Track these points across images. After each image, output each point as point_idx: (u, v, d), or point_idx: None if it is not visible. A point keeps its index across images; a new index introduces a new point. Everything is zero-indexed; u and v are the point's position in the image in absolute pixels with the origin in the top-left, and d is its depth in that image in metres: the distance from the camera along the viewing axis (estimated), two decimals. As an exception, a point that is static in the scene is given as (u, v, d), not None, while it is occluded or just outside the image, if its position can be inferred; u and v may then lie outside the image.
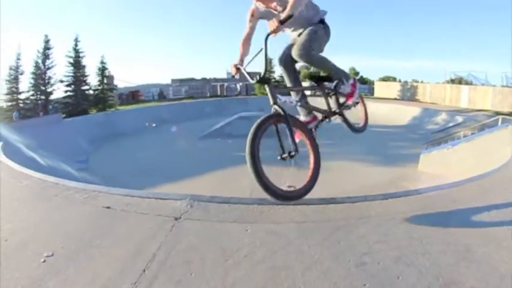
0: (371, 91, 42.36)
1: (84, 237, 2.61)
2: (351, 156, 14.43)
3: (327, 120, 3.57)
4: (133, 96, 44.77)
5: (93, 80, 37.30)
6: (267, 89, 2.91)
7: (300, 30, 3.31)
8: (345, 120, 3.76)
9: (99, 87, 36.92)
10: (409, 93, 35.94)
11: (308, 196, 2.84)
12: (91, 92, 36.61)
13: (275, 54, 3.55)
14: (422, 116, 25.46)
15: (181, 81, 48.09)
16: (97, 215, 3.05)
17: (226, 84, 46.56)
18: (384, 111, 26.38)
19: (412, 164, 13.29)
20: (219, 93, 45.62)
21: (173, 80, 48.64)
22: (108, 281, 2.01)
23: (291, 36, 3.46)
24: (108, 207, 3.15)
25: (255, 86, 41.27)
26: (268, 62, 2.89)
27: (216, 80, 48.95)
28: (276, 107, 2.86)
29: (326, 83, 3.66)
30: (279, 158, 2.82)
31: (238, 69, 3.24)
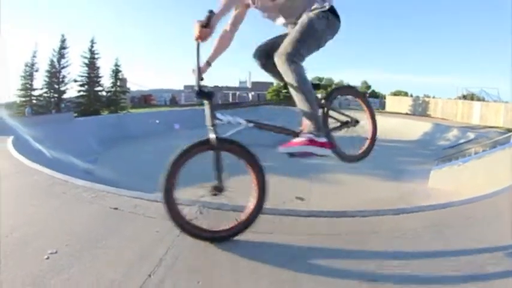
0: (382, 105, 42.22)
1: (90, 237, 2.56)
2: (360, 170, 14.20)
3: None
4: (145, 100, 45.28)
5: (106, 81, 38.08)
6: (206, 105, 2.38)
7: (293, 21, 2.52)
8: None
9: (112, 89, 37.48)
10: (420, 108, 35.76)
11: (319, 208, 2.77)
12: (104, 93, 37.27)
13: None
14: (434, 132, 25.25)
15: (194, 87, 48.17)
16: (104, 215, 3.00)
17: (238, 92, 46.93)
18: (395, 125, 26.22)
19: (423, 180, 13.10)
20: (230, 101, 45.43)
21: (186, 86, 48.98)
22: (113, 283, 1.95)
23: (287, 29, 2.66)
24: (116, 208, 3.10)
25: (267, 95, 41.45)
26: (200, 71, 2.39)
27: (228, 88, 49.25)
28: (210, 129, 2.36)
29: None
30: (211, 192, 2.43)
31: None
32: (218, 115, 2.40)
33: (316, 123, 2.38)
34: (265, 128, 2.59)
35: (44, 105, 34.11)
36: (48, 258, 2.21)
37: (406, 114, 35.16)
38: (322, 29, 2.40)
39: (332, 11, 2.44)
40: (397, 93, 46.13)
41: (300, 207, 2.77)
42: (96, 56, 36.47)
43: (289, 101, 2.52)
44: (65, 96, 35.54)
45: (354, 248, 2.41)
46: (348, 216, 3.03)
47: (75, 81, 35.38)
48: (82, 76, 35.72)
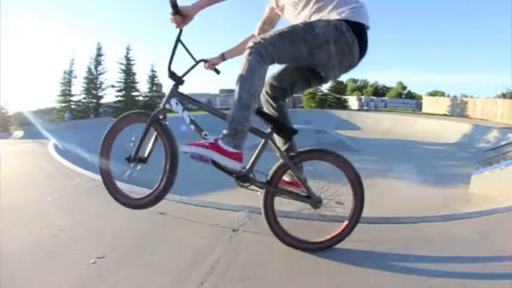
0: (419, 106, 41.09)
1: (137, 242, 2.53)
2: (397, 174, 13.89)
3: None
4: (181, 104, 45.98)
5: (143, 87, 39.25)
6: (170, 88, 2.29)
7: None
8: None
9: (149, 94, 38.29)
10: (458, 109, 34.40)
11: (367, 214, 2.63)
12: (140, 98, 38.13)
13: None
14: (473, 134, 24.19)
15: (229, 91, 48.61)
16: (150, 220, 2.95)
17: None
18: (433, 127, 25.37)
19: (463, 185, 12.55)
20: (194, 98, 45.29)
21: (221, 90, 49.13)
22: (161, 290, 1.90)
23: None
24: (162, 213, 3.04)
25: (303, 99, 41.24)
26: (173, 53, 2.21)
27: (261, 91, 49.21)
28: (159, 108, 2.27)
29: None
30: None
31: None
32: (172, 101, 2.25)
33: (233, 128, 1.94)
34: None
35: (83, 110, 35.59)
36: (94, 262, 2.19)
37: (444, 115, 33.90)
38: (323, 38, 1.92)
39: (352, 24, 1.94)
40: (433, 94, 44.91)
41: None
42: (132, 62, 37.62)
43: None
44: (102, 101, 37.05)
45: (405, 256, 2.29)
46: (397, 222, 2.91)
47: (113, 86, 36.77)
48: (119, 82, 36.97)
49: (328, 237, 2.31)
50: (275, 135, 2.26)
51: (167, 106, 2.26)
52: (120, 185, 2.46)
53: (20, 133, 25.42)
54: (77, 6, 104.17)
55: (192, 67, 2.35)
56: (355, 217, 2.26)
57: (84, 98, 36.34)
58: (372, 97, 51.64)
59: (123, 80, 37.04)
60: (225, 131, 1.97)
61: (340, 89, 42.75)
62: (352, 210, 2.25)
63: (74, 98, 35.84)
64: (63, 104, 35.30)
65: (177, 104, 2.25)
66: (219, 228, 2.37)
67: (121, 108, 34.87)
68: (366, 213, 2.45)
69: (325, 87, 40.86)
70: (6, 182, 4.83)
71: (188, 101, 2.34)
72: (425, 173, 14.61)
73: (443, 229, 2.79)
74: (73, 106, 35.43)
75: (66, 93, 35.66)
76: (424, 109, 38.89)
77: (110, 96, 37.42)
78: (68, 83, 35.98)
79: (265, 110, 2.39)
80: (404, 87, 66.53)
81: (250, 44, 1.95)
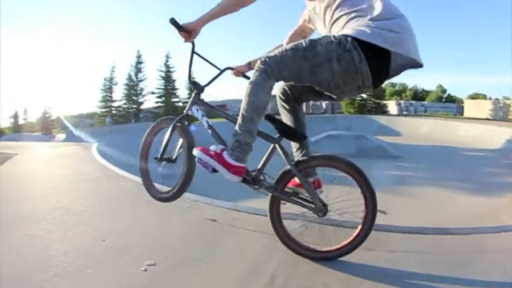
0: (460, 110, 39.61)
1: (190, 250, 2.43)
2: (440, 182, 13.36)
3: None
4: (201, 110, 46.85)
5: (182, 93, 40.87)
6: (192, 95, 2.47)
7: None
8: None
9: (188, 100, 39.28)
10: (501, 113, 32.83)
11: (420, 224, 2.66)
12: (180, 104, 39.27)
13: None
14: (517, 139, 23.02)
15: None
16: (202, 227, 2.86)
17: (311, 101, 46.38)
18: (475, 133, 24.34)
19: (509, 194, 11.95)
20: (304, 110, 44.76)
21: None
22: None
23: None
24: (214, 220, 2.96)
25: (342, 104, 40.86)
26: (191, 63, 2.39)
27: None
28: (183, 114, 2.42)
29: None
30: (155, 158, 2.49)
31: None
32: (194, 108, 2.39)
33: (236, 141, 1.98)
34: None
35: (123, 115, 36.99)
36: (146, 270, 2.10)
37: (487, 119, 32.42)
38: (325, 56, 1.83)
39: (362, 44, 1.76)
40: (474, 97, 43.19)
41: (389, 222, 2.53)
42: (171, 70, 38.94)
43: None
44: (142, 107, 38.45)
45: (463, 269, 2.16)
46: (452, 233, 2.74)
47: (153, 93, 38.25)
48: (159, 88, 38.31)
49: (337, 246, 2.21)
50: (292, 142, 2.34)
51: (189, 112, 2.40)
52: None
53: (62, 136, 26.54)
54: (117, 18, 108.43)
55: (217, 75, 2.46)
56: (367, 225, 2.13)
57: (125, 104, 37.83)
58: (412, 101, 51.10)
59: (162, 87, 38.57)
60: (230, 144, 2.01)
61: (379, 93, 42.08)
62: (363, 218, 2.13)
63: (115, 104, 37.41)
64: (104, 109, 36.93)
65: (197, 110, 2.38)
66: (274, 237, 2.27)
67: (161, 114, 36.04)
68: (412, 222, 2.59)
69: (364, 92, 40.51)
70: (50, 184, 4.93)
71: (207, 108, 2.44)
72: (470, 181, 14.00)
73: (497, 241, 2.63)
74: (114, 111, 36.92)
75: (107, 99, 37.45)
76: (466, 113, 37.36)
77: (150, 102, 39.05)
78: (108, 89, 37.83)
79: (280, 112, 2.46)
80: (444, 91, 64.52)
81: (258, 61, 1.97)
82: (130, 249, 2.44)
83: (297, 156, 2.32)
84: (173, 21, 2.05)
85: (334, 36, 1.81)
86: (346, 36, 1.77)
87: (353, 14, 1.83)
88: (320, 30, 2.15)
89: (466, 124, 25.33)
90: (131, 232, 2.84)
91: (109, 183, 5.00)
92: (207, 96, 2.49)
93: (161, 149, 2.44)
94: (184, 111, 2.42)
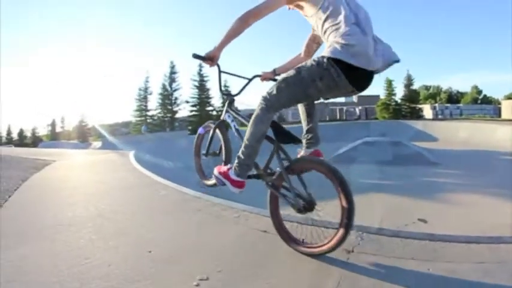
0: (497, 112, 37.78)
1: (243, 263, 2.24)
2: (481, 189, 12.61)
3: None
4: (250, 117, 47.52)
5: (216, 101, 41.02)
6: (225, 104, 2.89)
7: None
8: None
9: (222, 109, 40.01)
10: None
11: (475, 233, 2.59)
12: (214, 112, 39.85)
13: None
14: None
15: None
16: (254, 239, 2.68)
17: (345, 108, 45.90)
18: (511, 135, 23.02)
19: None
20: (338, 117, 44.69)
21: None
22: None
23: None
24: (265, 231, 2.77)
25: (376, 110, 40.14)
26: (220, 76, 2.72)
27: (334, 103, 48.47)
28: (221, 120, 2.86)
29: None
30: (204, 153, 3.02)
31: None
32: (226, 115, 2.83)
33: (238, 161, 2.32)
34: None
35: (158, 124, 38.06)
36: (198, 285, 1.93)
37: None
38: (309, 78, 2.09)
39: (338, 62, 1.99)
40: (511, 96, 41.01)
41: (433, 230, 2.33)
42: (205, 79, 39.70)
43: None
44: (177, 115, 39.44)
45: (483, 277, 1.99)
46: (504, 242, 2.52)
47: (187, 102, 39.14)
48: (193, 97, 39.07)
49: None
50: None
51: (224, 118, 2.85)
52: None
53: (99, 143, 27.35)
54: (153, 32, 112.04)
55: (246, 84, 2.76)
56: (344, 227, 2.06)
57: (159, 113, 38.83)
58: (447, 104, 50.22)
59: (196, 96, 39.24)
60: (233, 164, 2.37)
61: (413, 97, 41.00)
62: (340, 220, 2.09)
63: (150, 113, 38.49)
64: (139, 118, 37.97)
65: (229, 117, 2.81)
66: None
67: (195, 122, 36.67)
68: (457, 231, 2.57)
69: (398, 97, 40.37)
70: (88, 191, 4.93)
71: (235, 116, 2.80)
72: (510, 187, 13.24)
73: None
74: (148, 120, 37.92)
75: (142, 108, 38.54)
76: (504, 115, 35.24)
77: (184, 111, 40.08)
78: (143, 98, 38.96)
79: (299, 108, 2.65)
80: (479, 92, 62.27)
81: (260, 97, 2.27)
82: (179, 262, 2.29)
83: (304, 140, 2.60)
84: (195, 55, 2.39)
85: (313, 59, 2.09)
86: (323, 57, 2.03)
87: (333, 28, 2.05)
88: (322, 39, 2.30)
89: (504, 126, 24.01)
90: (177, 242, 2.70)
91: (148, 190, 4.90)
92: (240, 104, 2.86)
93: (207, 147, 2.97)
94: (221, 118, 2.87)
